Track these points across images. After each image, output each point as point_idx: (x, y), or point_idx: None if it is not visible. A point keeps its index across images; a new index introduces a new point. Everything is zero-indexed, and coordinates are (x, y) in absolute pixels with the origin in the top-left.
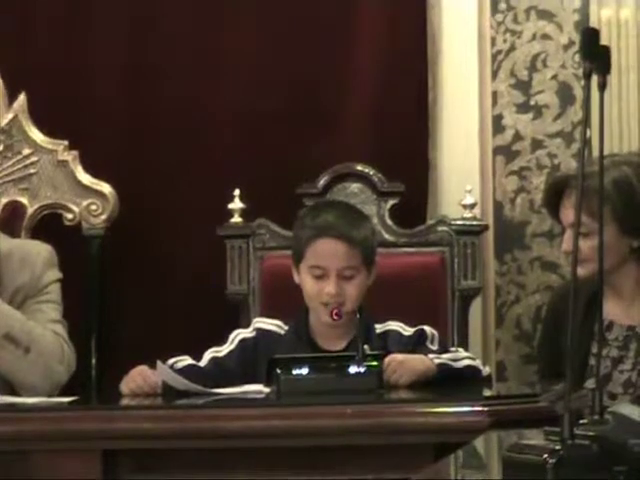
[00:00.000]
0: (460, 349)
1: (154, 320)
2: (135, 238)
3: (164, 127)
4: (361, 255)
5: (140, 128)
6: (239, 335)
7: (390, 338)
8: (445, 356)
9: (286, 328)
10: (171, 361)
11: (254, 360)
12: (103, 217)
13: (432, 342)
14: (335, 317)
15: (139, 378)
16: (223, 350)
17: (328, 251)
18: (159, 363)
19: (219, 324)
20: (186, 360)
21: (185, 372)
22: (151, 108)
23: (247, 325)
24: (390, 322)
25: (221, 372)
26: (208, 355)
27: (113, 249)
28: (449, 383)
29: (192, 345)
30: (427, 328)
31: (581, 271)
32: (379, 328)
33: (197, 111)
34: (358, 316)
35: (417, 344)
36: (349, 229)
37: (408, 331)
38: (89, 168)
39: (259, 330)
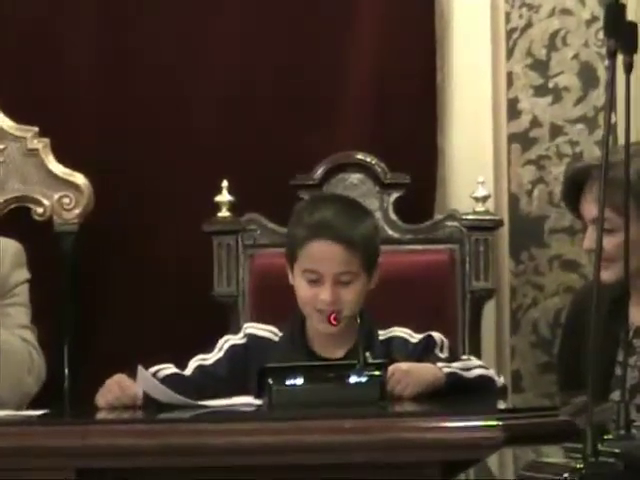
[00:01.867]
0: (472, 357)
1: (133, 325)
2: (112, 234)
3: (145, 113)
4: (361, 259)
5: (118, 114)
6: (228, 341)
7: (395, 345)
8: (455, 365)
9: (280, 334)
10: (153, 369)
11: (244, 369)
12: (76, 211)
13: (441, 350)
14: (333, 322)
15: (116, 388)
16: (210, 358)
17: (323, 254)
18: (140, 369)
19: (205, 329)
20: (170, 368)
21: (168, 382)
22: (131, 93)
23: (237, 330)
24: (395, 328)
25: (208, 382)
26: (194, 363)
27: (87, 246)
28: (459, 395)
29: (175, 353)
30: (435, 334)
31: (605, 274)
32: (383, 334)
33: (181, 96)
34: (359, 321)
35: (424, 352)
36: (348, 229)
37: (415, 338)
38: (61, 157)
39: (250, 336)
